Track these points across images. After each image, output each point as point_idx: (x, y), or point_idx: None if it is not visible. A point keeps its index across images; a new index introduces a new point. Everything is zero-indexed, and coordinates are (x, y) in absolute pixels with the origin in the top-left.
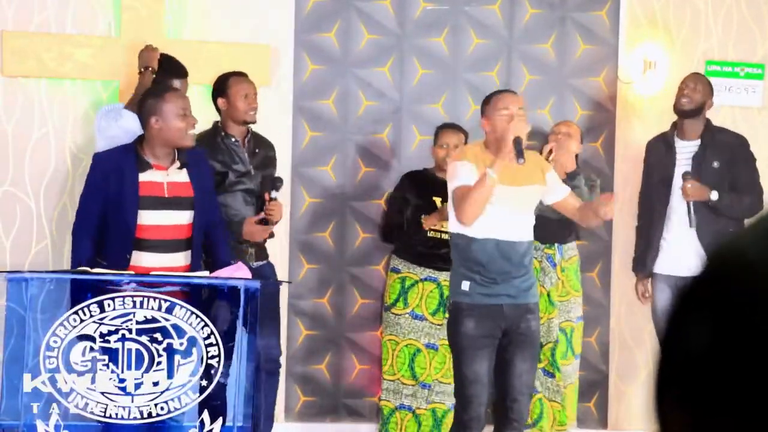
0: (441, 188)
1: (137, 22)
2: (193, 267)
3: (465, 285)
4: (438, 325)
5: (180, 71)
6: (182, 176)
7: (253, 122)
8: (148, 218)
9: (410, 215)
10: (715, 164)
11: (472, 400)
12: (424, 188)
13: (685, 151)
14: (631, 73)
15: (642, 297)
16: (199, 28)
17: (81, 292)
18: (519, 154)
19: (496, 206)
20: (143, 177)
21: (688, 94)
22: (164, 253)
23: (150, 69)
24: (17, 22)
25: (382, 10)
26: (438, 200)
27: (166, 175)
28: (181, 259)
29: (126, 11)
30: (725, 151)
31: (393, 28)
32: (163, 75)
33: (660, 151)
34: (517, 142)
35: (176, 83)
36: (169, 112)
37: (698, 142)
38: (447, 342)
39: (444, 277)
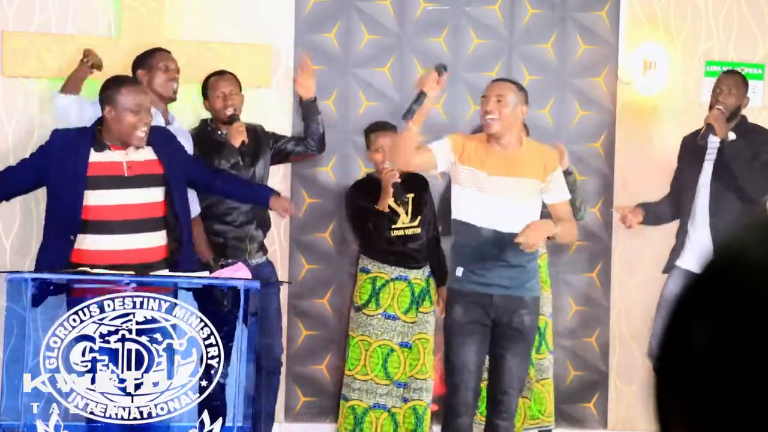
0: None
1: (137, 22)
2: (171, 248)
3: (458, 271)
4: (410, 323)
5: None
6: (147, 154)
7: (235, 119)
8: (107, 198)
9: (375, 221)
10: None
11: (459, 386)
12: (378, 193)
13: (716, 146)
14: (631, 73)
15: (620, 219)
16: (199, 28)
17: (49, 289)
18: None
19: (489, 195)
20: (100, 157)
21: (723, 100)
22: (130, 234)
23: (89, 62)
24: (18, 22)
25: (382, 10)
26: (394, 203)
27: (125, 155)
28: (154, 239)
29: (126, 11)
30: (754, 146)
31: (393, 28)
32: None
33: (691, 148)
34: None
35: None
36: (122, 104)
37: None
38: (422, 336)
39: (414, 274)
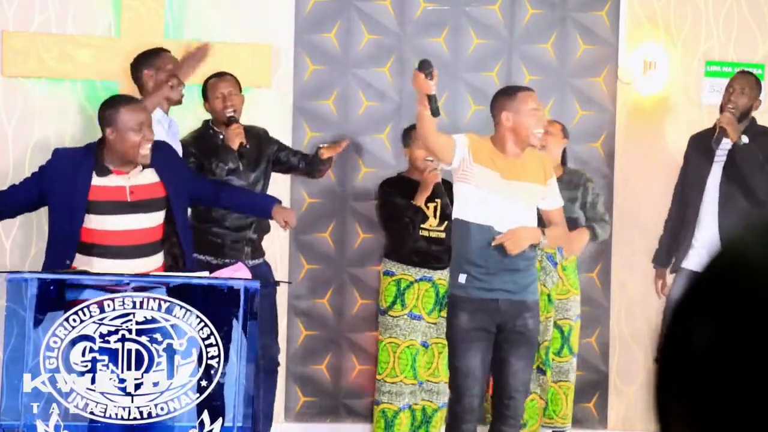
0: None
1: (137, 22)
2: (167, 265)
3: (461, 278)
4: (432, 323)
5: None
6: (150, 176)
7: (235, 120)
8: (110, 223)
9: (411, 216)
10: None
11: (464, 393)
12: (410, 193)
13: (726, 148)
14: (631, 73)
15: (660, 291)
16: (199, 28)
17: (54, 290)
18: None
19: (494, 197)
20: (103, 181)
21: (735, 100)
22: (131, 259)
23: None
24: (18, 22)
25: (382, 10)
26: (432, 206)
27: (128, 179)
28: (155, 262)
29: (126, 11)
30: (764, 149)
31: (393, 28)
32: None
33: (700, 148)
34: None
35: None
36: (123, 124)
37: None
38: (439, 341)
39: (438, 275)
